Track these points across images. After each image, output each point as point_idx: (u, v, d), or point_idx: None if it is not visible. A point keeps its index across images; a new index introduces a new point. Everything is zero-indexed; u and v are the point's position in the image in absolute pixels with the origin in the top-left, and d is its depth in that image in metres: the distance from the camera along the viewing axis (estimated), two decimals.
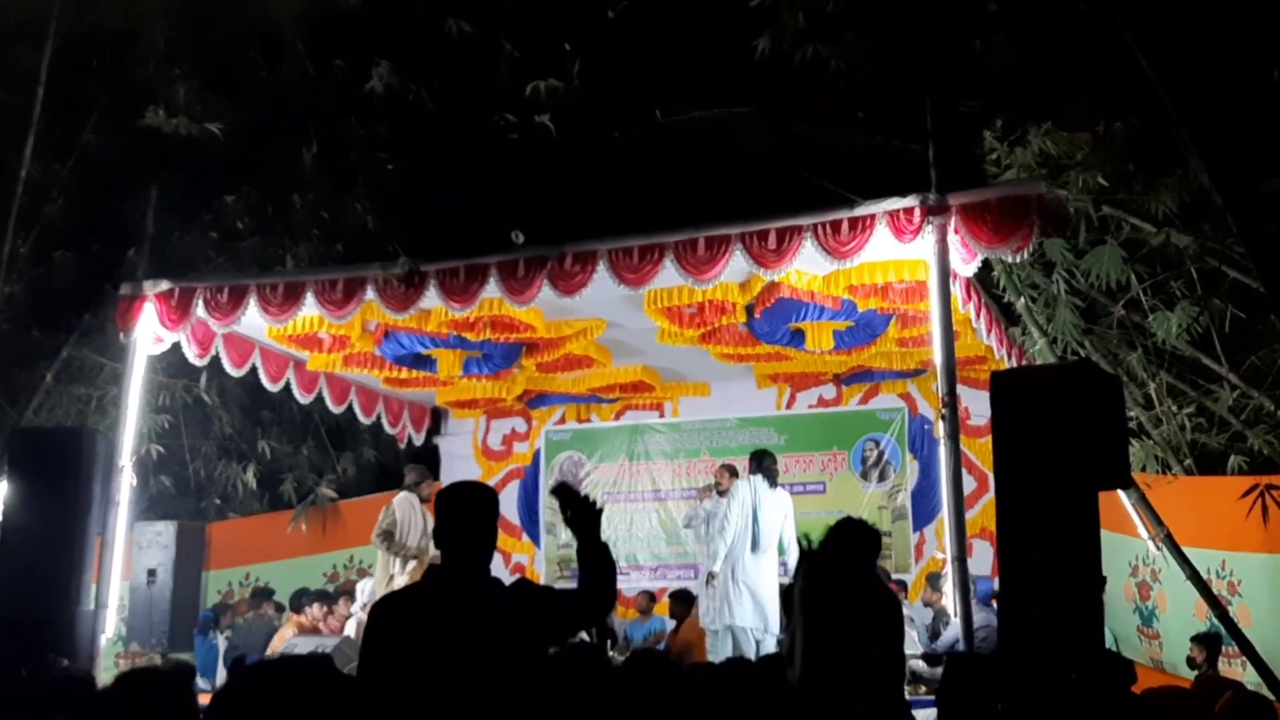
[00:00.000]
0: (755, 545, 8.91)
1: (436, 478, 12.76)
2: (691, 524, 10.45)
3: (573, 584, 11.87)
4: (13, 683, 5.22)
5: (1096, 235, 7.93)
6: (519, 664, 3.29)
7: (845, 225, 7.36)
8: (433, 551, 9.42)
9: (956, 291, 7.54)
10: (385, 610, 3.47)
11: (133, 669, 3.71)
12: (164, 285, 8.84)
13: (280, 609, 10.33)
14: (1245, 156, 7.30)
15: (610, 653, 9.37)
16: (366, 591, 9.71)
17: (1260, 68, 7.38)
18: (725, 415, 12.16)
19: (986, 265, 7.73)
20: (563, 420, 12.84)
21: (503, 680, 3.24)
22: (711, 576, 9.32)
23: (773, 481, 9.14)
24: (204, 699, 2.97)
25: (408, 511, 9.25)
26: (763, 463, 9.24)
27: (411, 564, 9.12)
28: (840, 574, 4.76)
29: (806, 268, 8.05)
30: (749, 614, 8.77)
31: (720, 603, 8.96)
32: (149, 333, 8.88)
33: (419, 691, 3.23)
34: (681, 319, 9.19)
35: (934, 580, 9.48)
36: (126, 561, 9.03)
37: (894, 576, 10.33)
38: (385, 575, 9.13)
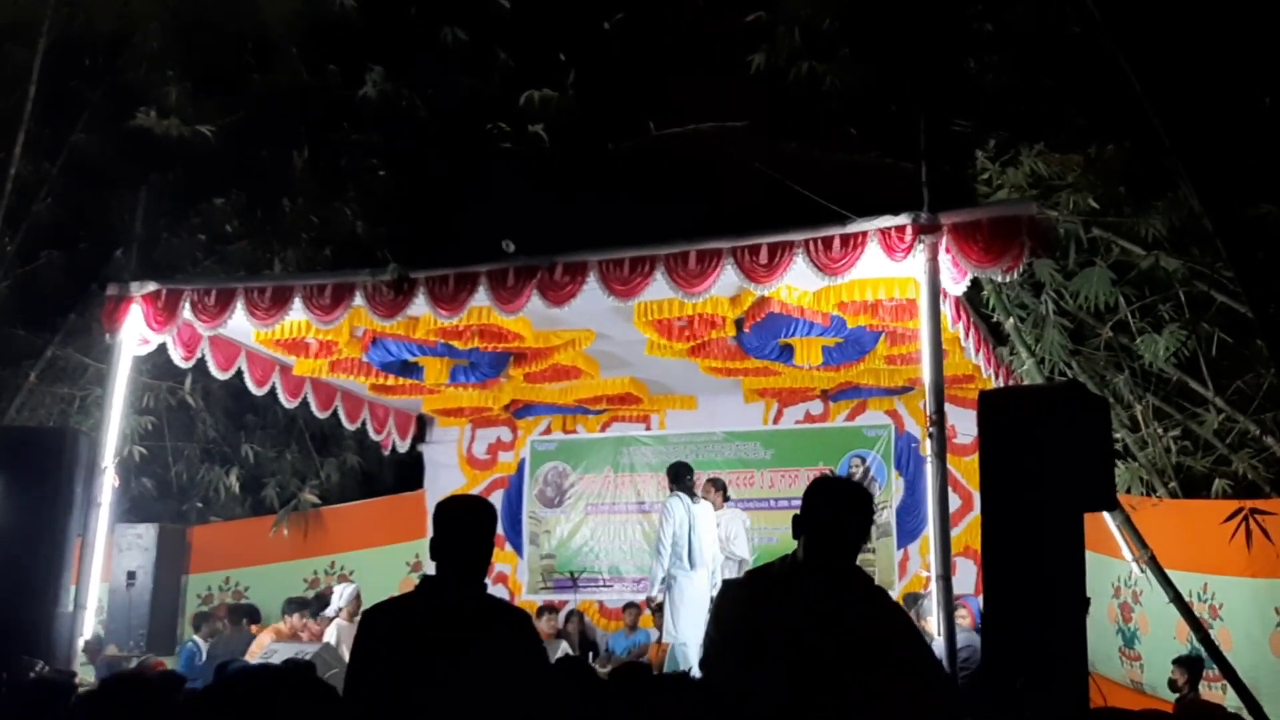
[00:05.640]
0: (693, 563, 8.86)
1: (420, 486, 12.76)
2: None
3: (554, 595, 11.84)
4: None
5: (1086, 257, 7.95)
6: (507, 679, 3.27)
7: (837, 242, 7.37)
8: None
9: (946, 310, 7.56)
10: (376, 620, 3.46)
11: (119, 673, 3.68)
12: (151, 287, 8.81)
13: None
14: (1235, 181, 7.33)
15: (592, 665, 9.34)
16: (345, 596, 9.65)
17: (1251, 93, 7.42)
18: (712, 429, 12.18)
19: (976, 284, 7.75)
20: (548, 430, 12.82)
21: (491, 694, 3.23)
22: (651, 600, 9.28)
23: (694, 495, 9.10)
24: None
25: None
26: (683, 479, 9.18)
27: None
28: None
29: (797, 283, 8.05)
30: (695, 630, 8.69)
31: (667, 621, 8.98)
32: (134, 334, 8.84)
33: (407, 703, 3.22)
34: (670, 332, 9.18)
35: (909, 601, 9.27)
36: (106, 563, 8.98)
37: None
38: None
